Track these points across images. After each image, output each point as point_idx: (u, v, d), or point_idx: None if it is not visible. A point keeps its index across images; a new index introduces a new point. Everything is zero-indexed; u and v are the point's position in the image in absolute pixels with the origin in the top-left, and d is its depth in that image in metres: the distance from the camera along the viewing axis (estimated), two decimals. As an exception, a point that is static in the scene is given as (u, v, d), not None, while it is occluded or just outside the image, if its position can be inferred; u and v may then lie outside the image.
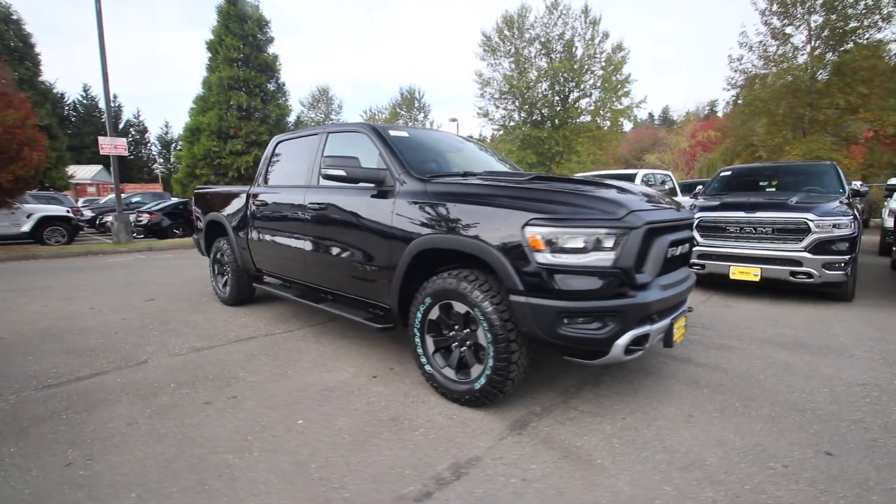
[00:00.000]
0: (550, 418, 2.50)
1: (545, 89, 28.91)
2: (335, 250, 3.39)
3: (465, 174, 3.14)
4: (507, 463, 2.07)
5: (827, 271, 4.77)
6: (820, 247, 4.80)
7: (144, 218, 12.83)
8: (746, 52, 22.90)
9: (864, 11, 20.17)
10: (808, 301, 5.14)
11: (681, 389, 2.87)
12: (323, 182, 3.61)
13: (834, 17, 20.63)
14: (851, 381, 2.98)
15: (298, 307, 4.90)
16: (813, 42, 21.31)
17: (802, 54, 21.53)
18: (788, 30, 22.21)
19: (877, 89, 19.77)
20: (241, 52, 11.53)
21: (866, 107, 19.62)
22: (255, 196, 4.34)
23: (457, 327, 2.64)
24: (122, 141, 10.88)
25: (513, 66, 29.39)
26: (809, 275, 4.82)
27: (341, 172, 2.99)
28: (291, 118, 17.66)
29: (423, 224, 2.73)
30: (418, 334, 2.78)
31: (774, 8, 22.08)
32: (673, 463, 2.07)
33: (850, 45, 20.92)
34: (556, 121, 28.61)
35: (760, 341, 3.77)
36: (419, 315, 2.75)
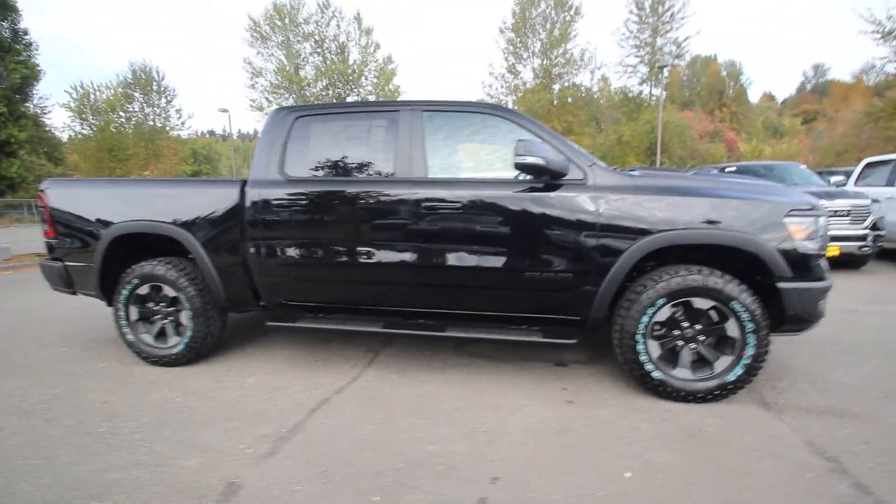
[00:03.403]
0: (798, 393, 2.66)
1: (322, 88, 28.08)
2: (490, 260, 2.68)
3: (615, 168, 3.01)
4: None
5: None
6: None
7: None
8: (494, 80, 27.81)
9: (564, 63, 27.29)
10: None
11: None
12: (434, 174, 2.78)
13: (547, 62, 27.23)
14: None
15: (294, 344, 3.50)
16: (535, 79, 27.59)
17: (531, 87, 27.63)
18: (519, 67, 28.20)
19: (577, 118, 27.18)
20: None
21: (572, 130, 26.71)
22: (269, 193, 2.89)
23: (683, 324, 2.56)
24: None
25: (284, 59, 27.34)
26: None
27: (540, 162, 2.43)
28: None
29: (648, 221, 2.50)
30: (641, 340, 2.54)
31: (511, 48, 27.58)
32: None
33: (559, 85, 27.94)
34: (335, 122, 28.17)
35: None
36: (644, 319, 2.52)
